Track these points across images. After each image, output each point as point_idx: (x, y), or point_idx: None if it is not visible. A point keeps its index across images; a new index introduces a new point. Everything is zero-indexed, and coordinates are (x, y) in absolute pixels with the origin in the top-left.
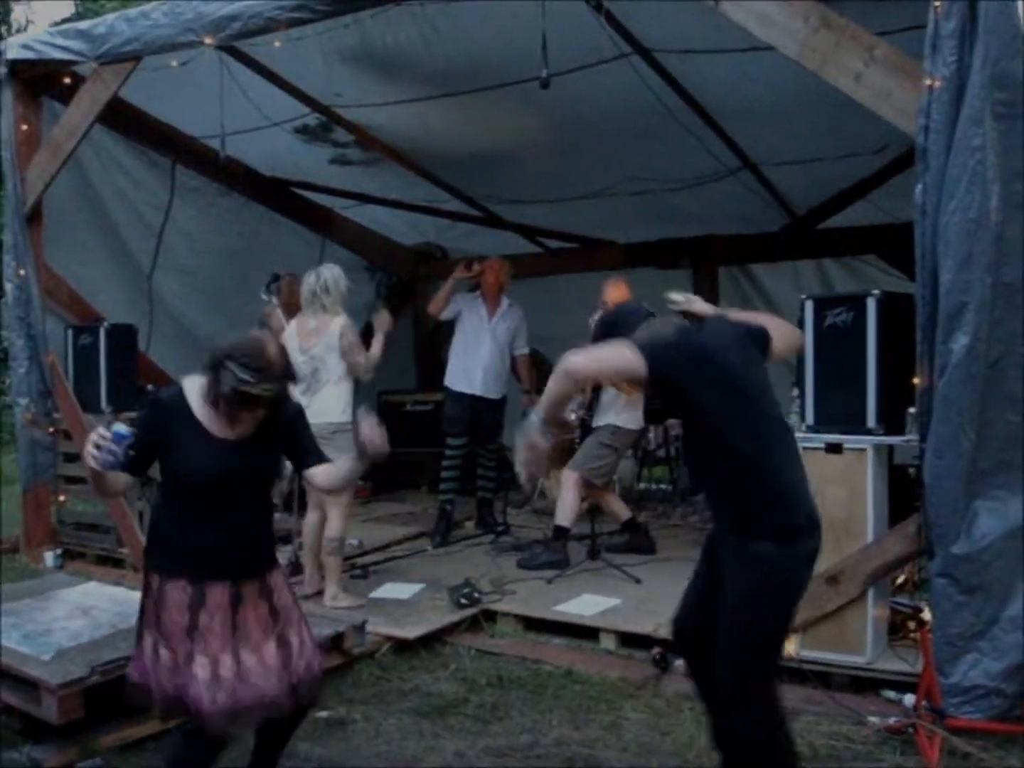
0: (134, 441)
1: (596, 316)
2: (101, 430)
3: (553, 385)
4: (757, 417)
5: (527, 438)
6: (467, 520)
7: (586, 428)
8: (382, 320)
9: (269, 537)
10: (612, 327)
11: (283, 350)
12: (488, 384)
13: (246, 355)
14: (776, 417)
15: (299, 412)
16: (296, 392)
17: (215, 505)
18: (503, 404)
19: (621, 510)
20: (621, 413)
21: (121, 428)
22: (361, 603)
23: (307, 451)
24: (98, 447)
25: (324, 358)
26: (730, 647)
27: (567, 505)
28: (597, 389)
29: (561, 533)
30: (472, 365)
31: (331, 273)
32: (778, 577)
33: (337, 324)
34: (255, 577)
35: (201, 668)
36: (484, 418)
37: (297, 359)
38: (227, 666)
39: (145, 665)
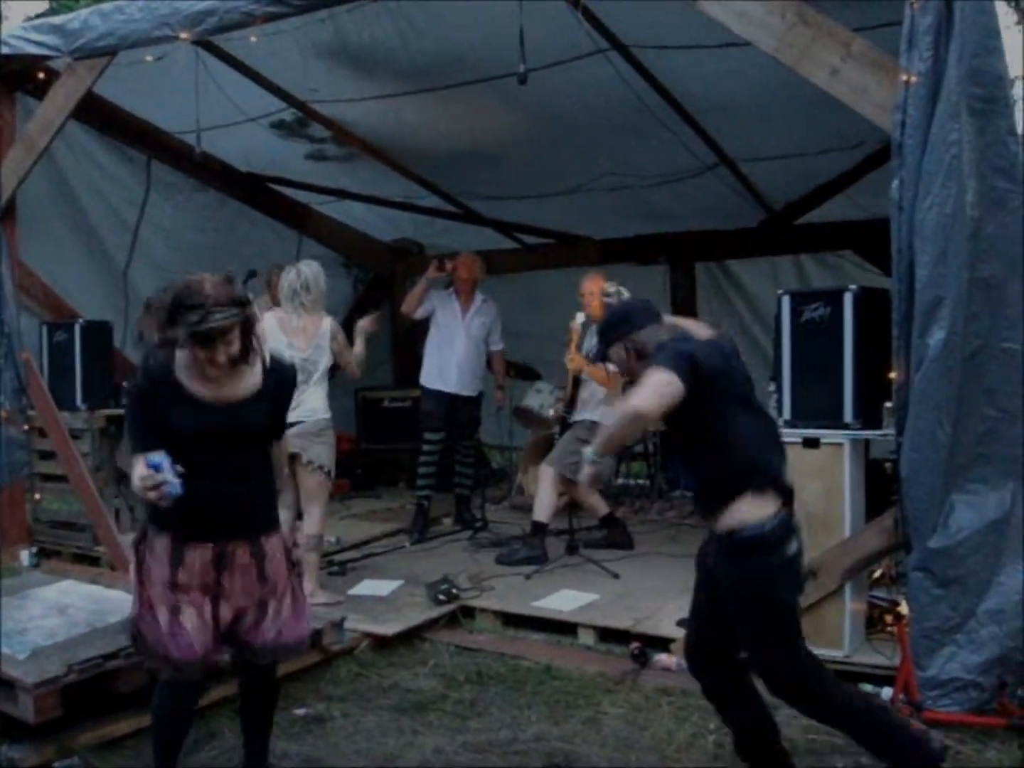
0: (173, 458)
1: (579, 316)
2: (142, 472)
3: (622, 426)
4: (754, 422)
5: (587, 472)
6: (445, 516)
7: (565, 424)
8: (369, 321)
9: (264, 501)
10: (618, 325)
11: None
12: (464, 381)
13: (187, 298)
14: (768, 421)
15: (292, 380)
16: None
17: (198, 467)
18: (480, 400)
19: (599, 506)
20: (599, 409)
21: (154, 458)
22: (339, 600)
23: (280, 425)
24: (155, 487)
25: (316, 360)
26: (761, 656)
27: (545, 501)
28: (576, 385)
29: (539, 529)
30: (447, 362)
31: (311, 271)
32: (773, 587)
33: (327, 325)
34: (244, 540)
35: (188, 619)
36: (461, 415)
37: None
38: (208, 613)
39: (143, 616)
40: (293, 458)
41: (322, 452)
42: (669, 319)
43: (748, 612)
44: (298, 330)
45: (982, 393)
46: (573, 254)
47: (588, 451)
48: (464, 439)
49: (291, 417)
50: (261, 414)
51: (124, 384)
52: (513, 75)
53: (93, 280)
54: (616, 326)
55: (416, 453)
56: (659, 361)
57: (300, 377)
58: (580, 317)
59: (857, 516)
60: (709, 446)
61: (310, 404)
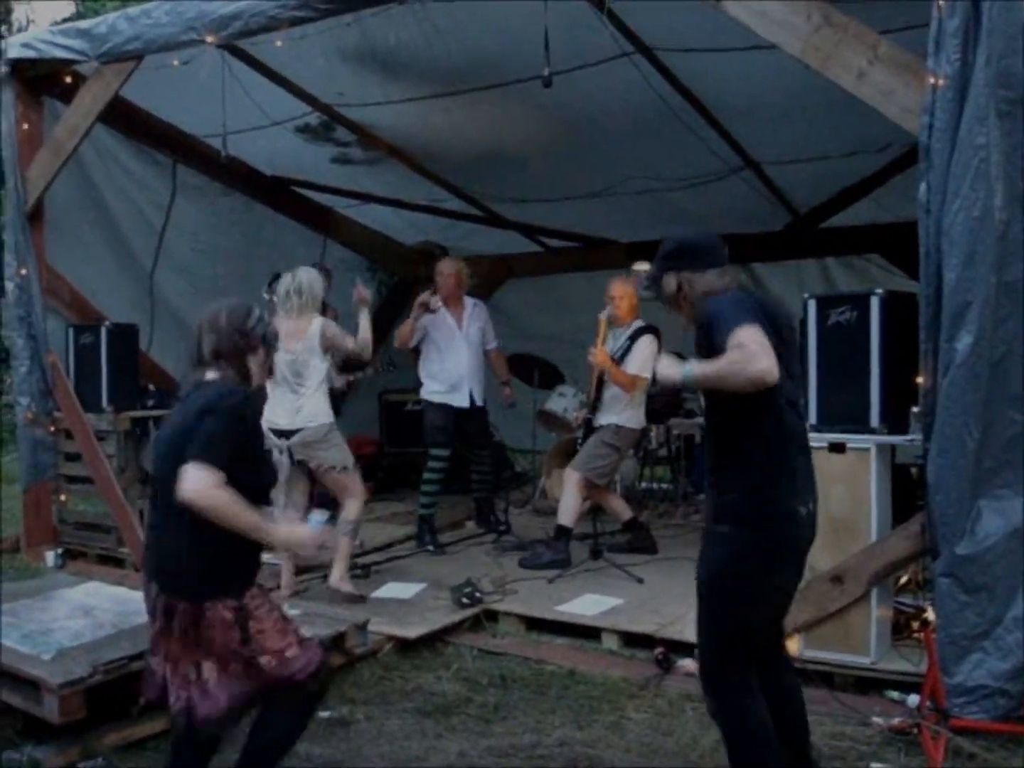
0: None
1: (608, 308)
2: (319, 534)
3: (733, 377)
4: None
5: (667, 369)
6: (467, 519)
7: (589, 428)
8: (362, 298)
9: None
10: (682, 255)
11: None
12: (476, 391)
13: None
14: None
15: None
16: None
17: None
18: (486, 407)
19: (622, 510)
20: (623, 412)
21: (321, 517)
22: (362, 595)
23: None
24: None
25: (307, 361)
26: (698, 628)
27: (569, 505)
28: (600, 386)
29: (563, 532)
30: (456, 377)
31: (307, 276)
32: (734, 561)
33: (315, 325)
34: None
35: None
36: (472, 426)
37: (279, 361)
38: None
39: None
40: (301, 463)
41: (329, 455)
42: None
43: (708, 588)
44: (290, 334)
45: (1010, 398)
46: (597, 257)
47: (688, 367)
48: (480, 448)
49: (291, 424)
50: None
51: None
52: (538, 78)
53: (119, 283)
54: (679, 256)
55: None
56: (742, 318)
57: (295, 380)
58: (609, 309)
59: (883, 521)
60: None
61: (309, 409)
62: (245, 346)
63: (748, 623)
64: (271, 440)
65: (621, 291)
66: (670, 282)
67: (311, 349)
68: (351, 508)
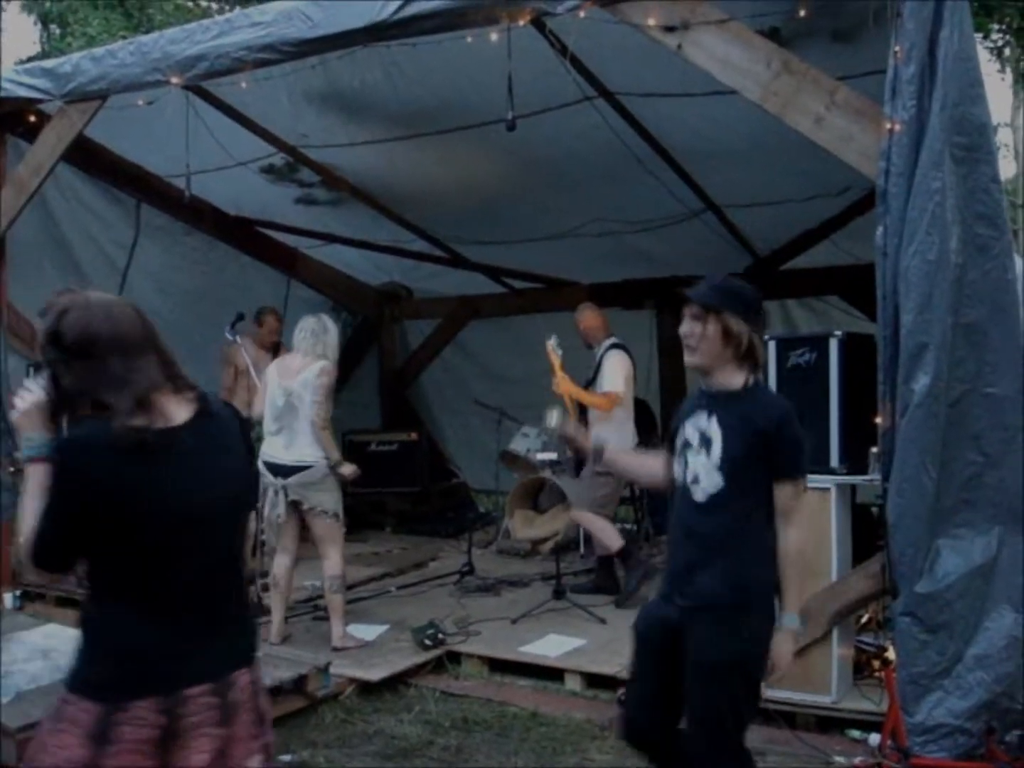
0: None
1: (554, 338)
2: None
3: None
4: None
5: None
6: (431, 560)
7: (579, 461)
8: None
9: None
10: (757, 315)
11: None
12: None
13: None
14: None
15: None
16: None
17: None
18: None
19: (614, 539)
20: (609, 437)
21: None
22: (365, 639)
23: None
24: None
25: (301, 393)
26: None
27: (603, 528)
28: (584, 412)
29: (625, 553)
30: None
31: (333, 327)
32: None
33: (316, 366)
34: None
35: None
36: None
37: (276, 397)
38: None
39: None
40: (295, 504)
41: (325, 499)
42: None
43: None
44: (291, 369)
45: (967, 438)
46: (561, 298)
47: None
48: None
49: (287, 459)
50: None
51: None
52: (502, 121)
53: None
54: (755, 311)
55: (403, 497)
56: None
57: (290, 416)
58: (555, 339)
59: (844, 561)
60: None
61: (304, 447)
62: None
63: None
64: (266, 478)
65: (581, 316)
66: (730, 326)
67: (306, 383)
68: (333, 560)
